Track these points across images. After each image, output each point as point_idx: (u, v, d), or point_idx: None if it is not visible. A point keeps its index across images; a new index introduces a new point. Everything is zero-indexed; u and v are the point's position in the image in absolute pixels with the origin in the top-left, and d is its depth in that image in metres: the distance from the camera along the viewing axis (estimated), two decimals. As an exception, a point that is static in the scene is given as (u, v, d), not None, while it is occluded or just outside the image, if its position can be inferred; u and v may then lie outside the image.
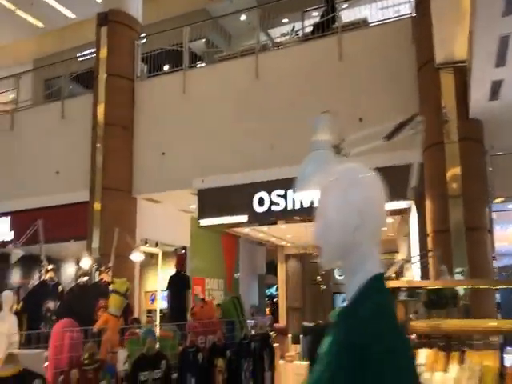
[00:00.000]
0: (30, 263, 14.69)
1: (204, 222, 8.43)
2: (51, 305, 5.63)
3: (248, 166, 7.76)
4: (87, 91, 9.96)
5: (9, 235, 11.35)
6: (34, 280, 6.51)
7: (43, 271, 5.95)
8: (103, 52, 8.62)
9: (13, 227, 11.10)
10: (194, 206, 10.16)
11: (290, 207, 7.33)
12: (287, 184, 7.39)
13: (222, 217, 8.20)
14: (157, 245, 10.87)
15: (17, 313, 5.43)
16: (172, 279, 7.14)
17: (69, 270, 15.02)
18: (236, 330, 5.31)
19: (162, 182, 8.74)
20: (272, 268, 12.98)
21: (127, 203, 9.02)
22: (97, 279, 7.22)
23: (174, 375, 3.50)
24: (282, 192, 7.43)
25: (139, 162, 8.87)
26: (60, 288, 5.89)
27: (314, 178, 1.37)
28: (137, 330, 3.90)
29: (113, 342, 3.65)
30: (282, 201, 7.41)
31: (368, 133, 1.82)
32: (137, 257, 8.85)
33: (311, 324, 10.95)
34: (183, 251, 12.01)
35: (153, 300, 12.05)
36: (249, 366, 4.37)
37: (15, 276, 14.21)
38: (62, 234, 9.80)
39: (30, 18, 12.17)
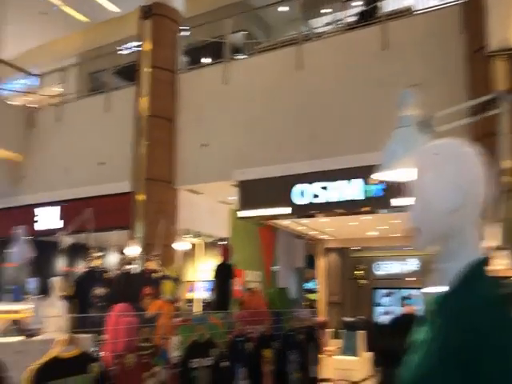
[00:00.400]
0: (75, 251, 15.26)
1: (244, 213, 8.43)
2: (98, 291, 5.77)
3: (289, 158, 7.70)
4: (130, 84, 10.14)
5: (59, 223, 11.79)
6: (82, 267, 6.69)
7: (92, 258, 6.10)
8: (146, 45, 8.73)
9: (62, 216, 11.51)
10: (234, 198, 10.22)
11: (331, 200, 7.23)
12: (329, 176, 7.30)
13: (262, 209, 8.18)
14: (198, 236, 11.02)
15: (68, 298, 5.61)
16: (218, 269, 7.26)
17: (110, 259, 15.47)
18: (282, 322, 5.29)
19: (203, 173, 8.80)
20: (311, 262, 12.89)
21: (169, 194, 9.15)
22: (138, 267, 7.36)
23: (223, 364, 3.50)
24: (323, 184, 7.33)
25: (181, 153, 8.96)
26: (107, 275, 6.03)
27: (403, 156, 1.30)
28: (188, 317, 3.92)
29: (166, 327, 3.68)
30: (323, 193, 7.32)
31: (454, 110, 1.74)
32: (181, 246, 8.97)
33: (352, 319, 10.84)
34: (224, 242, 12.13)
35: (191, 290, 12.25)
36: (294, 359, 4.33)
37: (62, 263, 14.76)
38: (105, 224, 10.02)
39: (75, 13, 12.52)
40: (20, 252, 3.36)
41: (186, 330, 3.60)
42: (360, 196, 7.03)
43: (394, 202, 6.46)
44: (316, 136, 7.46)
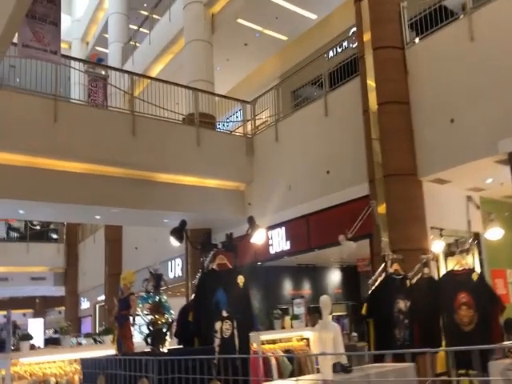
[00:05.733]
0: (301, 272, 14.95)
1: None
2: (402, 304, 4.76)
3: None
4: (347, 80, 9.56)
5: (285, 245, 11.67)
6: (376, 275, 5.69)
7: (388, 263, 5.19)
8: (366, 27, 7.99)
9: (288, 237, 11.36)
10: (491, 181, 8.56)
11: None
12: None
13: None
14: (441, 235, 9.59)
15: (363, 317, 4.80)
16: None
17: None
18: None
19: (454, 155, 7.48)
20: None
21: (412, 188, 8.04)
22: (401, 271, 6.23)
23: None
24: None
25: (422, 137, 7.83)
26: (408, 283, 5.01)
27: None
28: None
29: None
30: None
31: None
32: (438, 247, 7.64)
33: None
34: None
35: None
36: None
37: (290, 286, 14.60)
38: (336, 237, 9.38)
39: (274, 34, 12.81)
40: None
41: None
42: None
43: None
44: None
